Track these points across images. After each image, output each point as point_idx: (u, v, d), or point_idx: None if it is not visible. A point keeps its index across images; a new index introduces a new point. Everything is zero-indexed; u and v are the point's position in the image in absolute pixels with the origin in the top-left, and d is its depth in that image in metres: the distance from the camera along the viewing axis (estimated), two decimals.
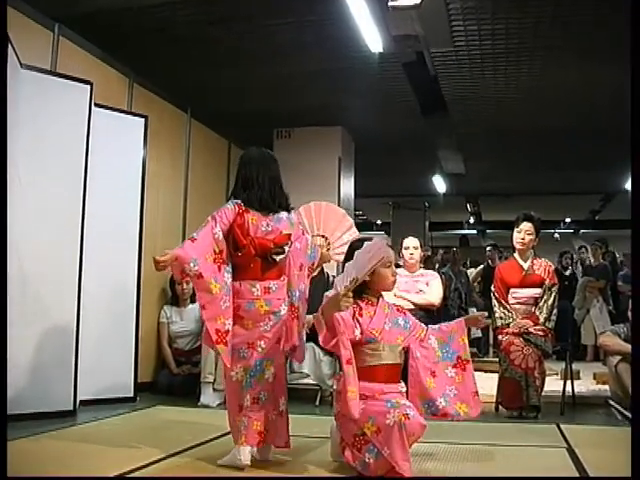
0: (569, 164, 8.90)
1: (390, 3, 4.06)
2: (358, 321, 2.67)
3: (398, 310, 2.88)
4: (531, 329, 4.14)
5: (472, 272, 9.16)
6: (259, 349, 2.76)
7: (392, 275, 2.80)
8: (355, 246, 2.82)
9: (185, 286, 5.15)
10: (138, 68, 5.02)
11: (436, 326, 2.90)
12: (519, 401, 4.03)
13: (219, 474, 2.57)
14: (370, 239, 2.88)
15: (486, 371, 5.69)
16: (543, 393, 4.12)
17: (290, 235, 2.90)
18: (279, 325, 2.78)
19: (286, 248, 2.88)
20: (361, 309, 2.69)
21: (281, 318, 2.79)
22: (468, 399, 2.71)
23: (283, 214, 2.90)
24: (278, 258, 2.88)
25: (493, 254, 8.63)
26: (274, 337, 2.78)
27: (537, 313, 4.21)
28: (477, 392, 2.75)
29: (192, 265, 2.67)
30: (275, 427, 2.75)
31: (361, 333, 2.67)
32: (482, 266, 8.91)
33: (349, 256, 2.83)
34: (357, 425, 2.53)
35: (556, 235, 16.46)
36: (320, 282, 4.30)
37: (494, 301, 4.37)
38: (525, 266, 4.34)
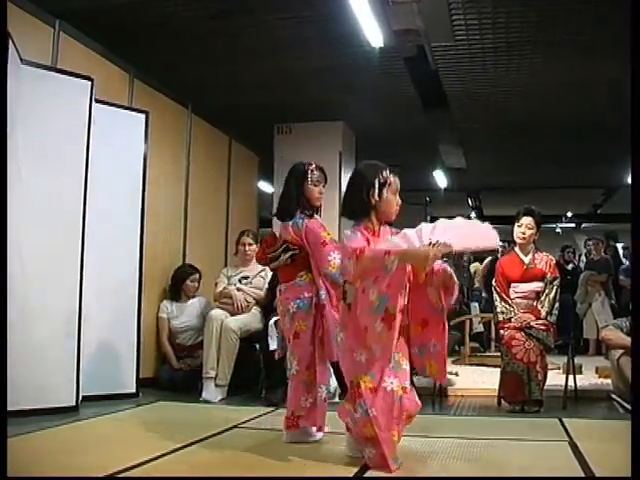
0: (570, 158, 8.87)
1: None
2: None
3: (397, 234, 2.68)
4: (533, 323, 4.14)
5: (476, 265, 9.12)
6: (289, 344, 3.11)
7: (397, 204, 2.75)
8: None
9: (189, 283, 5.16)
10: (138, 64, 5.01)
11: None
12: (521, 395, 4.04)
13: (220, 470, 2.56)
14: None
15: (488, 365, 5.69)
16: (545, 387, 4.12)
17: (280, 242, 3.17)
18: (289, 319, 3.08)
19: (282, 257, 3.14)
20: (369, 241, 2.59)
21: (291, 315, 3.07)
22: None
23: (288, 222, 3.15)
24: (272, 265, 3.25)
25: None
26: (291, 333, 3.07)
27: (539, 307, 4.21)
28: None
29: None
30: (307, 413, 3.00)
31: None
32: (490, 258, 8.75)
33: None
34: (355, 371, 2.51)
35: (558, 230, 16.41)
36: None
37: (495, 295, 4.37)
38: (526, 260, 4.33)
